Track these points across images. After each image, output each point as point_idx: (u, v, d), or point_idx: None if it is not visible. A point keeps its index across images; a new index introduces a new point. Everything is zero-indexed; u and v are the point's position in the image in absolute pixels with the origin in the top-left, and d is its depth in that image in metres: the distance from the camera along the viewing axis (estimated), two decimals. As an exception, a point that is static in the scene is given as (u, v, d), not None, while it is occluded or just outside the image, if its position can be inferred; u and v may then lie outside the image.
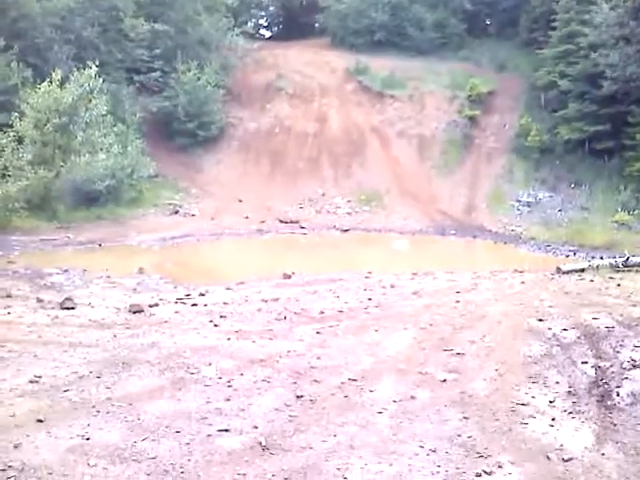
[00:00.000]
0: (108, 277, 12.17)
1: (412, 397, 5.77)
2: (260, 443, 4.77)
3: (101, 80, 21.10)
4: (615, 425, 5.23)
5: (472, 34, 37.68)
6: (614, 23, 25.10)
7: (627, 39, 24.84)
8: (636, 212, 22.18)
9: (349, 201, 25.86)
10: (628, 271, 13.39)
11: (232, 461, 4.49)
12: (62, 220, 19.32)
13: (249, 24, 38.98)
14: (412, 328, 8.24)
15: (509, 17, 37.03)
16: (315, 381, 6.14)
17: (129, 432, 4.94)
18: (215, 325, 8.25)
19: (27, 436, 4.75)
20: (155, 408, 5.45)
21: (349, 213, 24.86)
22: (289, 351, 7.07)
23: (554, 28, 29.45)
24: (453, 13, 37.41)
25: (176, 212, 22.99)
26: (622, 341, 7.45)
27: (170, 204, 23.70)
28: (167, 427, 5.07)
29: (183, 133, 27.94)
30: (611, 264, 13.87)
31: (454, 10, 37.47)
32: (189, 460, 4.50)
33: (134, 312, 9.00)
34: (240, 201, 24.91)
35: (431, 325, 8.39)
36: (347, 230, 22.14)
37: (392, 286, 11.64)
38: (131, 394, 5.76)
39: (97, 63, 20.91)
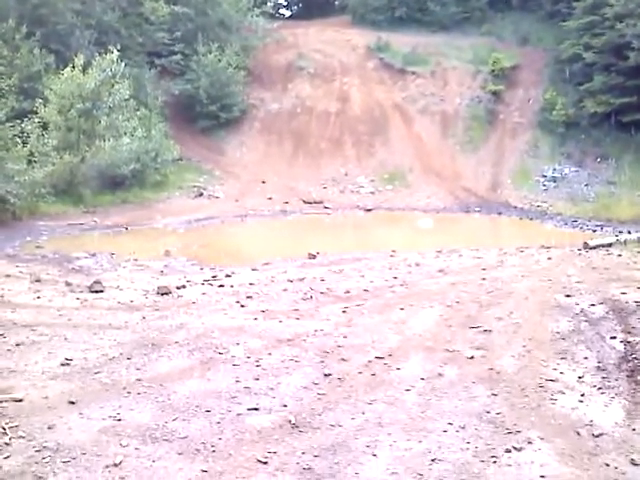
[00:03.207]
0: (135, 260, 12.28)
1: (440, 374, 5.76)
2: (290, 421, 4.80)
3: (123, 64, 21.18)
4: (646, 400, 5.18)
5: (494, 8, 37.02)
6: (640, -8, 24.59)
7: (654, 8, 24.33)
8: (665, 186, 21.84)
9: (372, 180, 25.77)
10: (657, 245, 13.23)
11: (262, 439, 4.52)
12: (88, 204, 19.52)
13: (269, 4, 38.85)
14: (438, 306, 8.22)
15: (532, -11, 36.39)
16: (342, 360, 6.16)
17: (160, 412, 5.00)
18: (242, 306, 8.30)
19: (60, 417, 4.83)
20: (185, 388, 5.50)
21: (372, 192, 24.78)
22: (316, 330, 7.09)
23: (578, -1, 28.89)
24: (475, -13, 36.83)
25: (200, 194, 23.11)
26: (652, 316, 7.37)
27: (194, 187, 23.83)
28: (197, 407, 5.11)
29: (205, 116, 27.99)
30: (639, 238, 13.71)
31: (476, -17, 36.90)
32: (220, 439, 4.54)
33: (162, 294, 9.08)
34: (263, 182, 24.96)
35: (457, 303, 8.36)
36: (370, 209, 22.09)
37: (417, 264, 11.61)
38: (161, 375, 5.82)
39: (118, 47, 21.02)
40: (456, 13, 35.93)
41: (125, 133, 21.28)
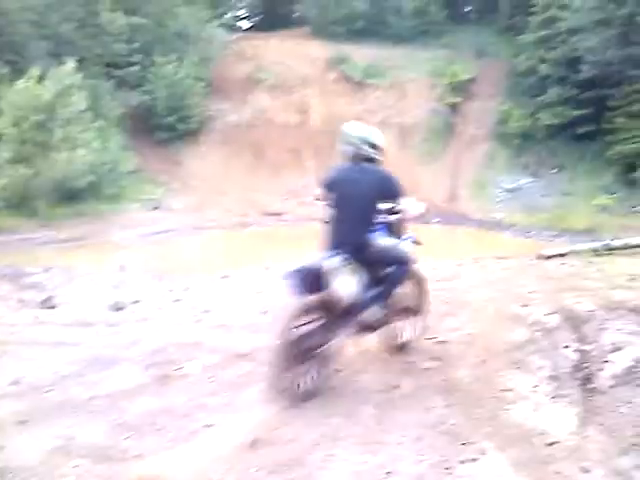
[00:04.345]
0: (90, 274, 12.09)
1: (396, 386, 5.76)
2: (245, 437, 4.76)
3: (80, 76, 20.96)
4: (597, 408, 5.25)
5: (452, 21, 37.78)
6: (593, 7, 25.31)
7: (606, 23, 25.03)
8: (617, 195, 22.44)
9: (332, 191, 25.86)
10: (609, 255, 13.45)
11: (217, 456, 4.47)
12: (43, 218, 19.21)
13: (228, 15, 38.84)
14: (395, 317, 8.22)
15: (488, 3, 37.25)
16: (299, 373, 6.12)
17: (113, 431, 4.90)
18: (198, 320, 8.21)
19: (9, 438, 4.71)
20: (139, 405, 5.41)
21: (332, 204, 24.88)
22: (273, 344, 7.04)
23: (533, 13, 29.65)
24: (433, 0, 37.37)
25: (158, 207, 22.91)
26: (603, 324, 7.46)
27: (151, 199, 23.64)
28: (151, 424, 5.04)
29: (163, 127, 27.82)
30: (593, 248, 13.92)
31: (434, -3, 37.50)
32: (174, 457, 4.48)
33: (117, 309, 8.94)
34: (222, 194, 24.85)
35: (414, 314, 8.36)
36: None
37: (376, 276, 11.62)
38: (114, 392, 5.72)
39: (75, 59, 20.77)
40: (415, 26, 36.47)
41: (81, 145, 21.01)
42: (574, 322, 7.69)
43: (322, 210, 5.88)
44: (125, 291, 10.53)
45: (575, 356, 6.53)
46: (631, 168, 23.20)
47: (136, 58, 28.00)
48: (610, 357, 6.37)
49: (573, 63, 26.37)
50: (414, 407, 5.31)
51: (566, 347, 6.80)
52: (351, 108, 30.59)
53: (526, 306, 8.61)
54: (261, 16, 47.96)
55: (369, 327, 5.74)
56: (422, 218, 5.93)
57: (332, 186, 5.73)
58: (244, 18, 48.95)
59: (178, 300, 9.53)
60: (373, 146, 5.60)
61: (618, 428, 4.85)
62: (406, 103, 30.78)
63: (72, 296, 9.93)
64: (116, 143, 23.21)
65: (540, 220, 20.90)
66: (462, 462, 4.35)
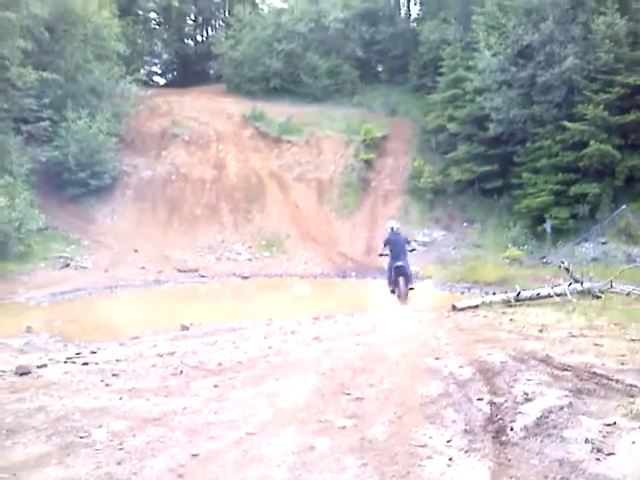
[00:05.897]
0: (-8, 338, 11.49)
1: (311, 447, 5.64)
2: (152, 509, 4.53)
3: (-15, 131, 20.28)
4: (509, 460, 5.28)
5: (364, 80, 39.01)
6: (496, 69, 26.68)
7: (509, 84, 26.44)
8: (525, 247, 23.25)
9: (249, 247, 25.76)
10: (520, 305, 13.86)
11: (121, 532, 4.23)
12: (-56, 279, 18.24)
13: (142, 71, 38.75)
14: (312, 375, 8.14)
15: (399, 64, 38.64)
16: (211, 438, 5.92)
17: (11, 507, 4.59)
18: (107, 384, 7.87)
19: None
20: (41, 477, 5.10)
21: (250, 259, 24.74)
22: (185, 408, 6.81)
23: (442, 74, 30.96)
24: (346, 60, 38.68)
25: (67, 265, 22.16)
26: (515, 375, 7.62)
27: (61, 257, 22.84)
28: (53, 497, 4.74)
29: (74, 183, 27.12)
30: (503, 299, 14.30)
31: (346, 57, 38.73)
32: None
33: (21, 374, 8.48)
34: (136, 251, 24.31)
35: (331, 370, 8.31)
36: (248, 277, 21.99)
37: (293, 332, 11.55)
38: (15, 463, 5.36)
39: (-19, 113, 20.13)
40: (328, 85, 37.47)
41: (-14, 203, 20.23)
42: (487, 374, 7.81)
43: (383, 250, 15.09)
44: (31, 355, 10.04)
45: (488, 408, 6.59)
46: (539, 221, 24.17)
47: (46, 113, 27.31)
48: (522, 408, 6.47)
49: (480, 121, 27.54)
50: (329, 468, 5.20)
51: (479, 399, 6.87)
52: (267, 164, 30.85)
53: (440, 359, 8.71)
54: (176, 72, 48.13)
55: (410, 288, 14.85)
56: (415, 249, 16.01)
57: (389, 241, 15.09)
58: (159, 74, 49.02)
59: (86, 364, 9.13)
60: (399, 229, 15.40)
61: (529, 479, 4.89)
62: (322, 159, 31.27)
63: (-29, 362, 9.36)
64: (24, 200, 22.37)
65: (453, 272, 21.37)
66: (377, 524, 4.26)
